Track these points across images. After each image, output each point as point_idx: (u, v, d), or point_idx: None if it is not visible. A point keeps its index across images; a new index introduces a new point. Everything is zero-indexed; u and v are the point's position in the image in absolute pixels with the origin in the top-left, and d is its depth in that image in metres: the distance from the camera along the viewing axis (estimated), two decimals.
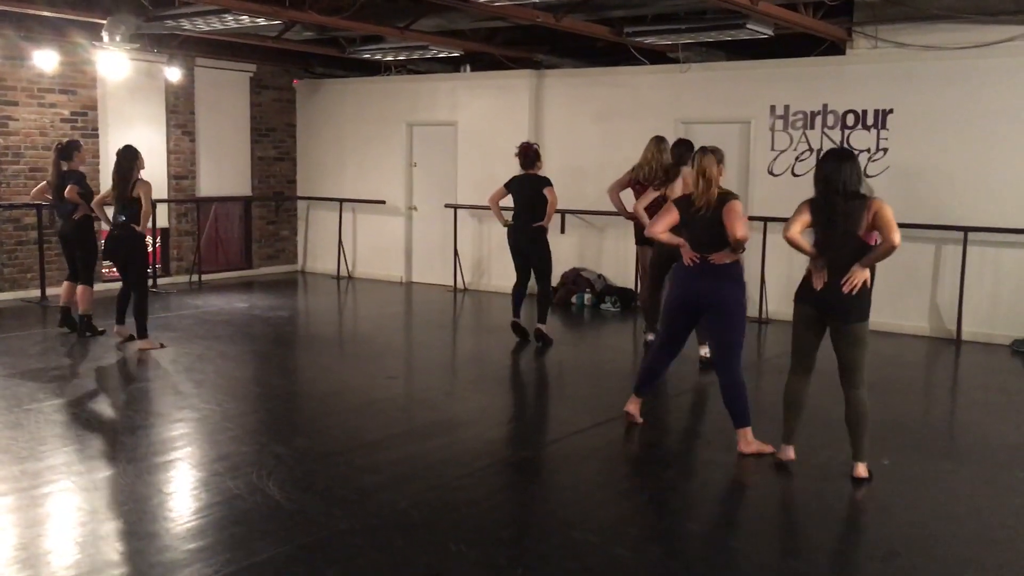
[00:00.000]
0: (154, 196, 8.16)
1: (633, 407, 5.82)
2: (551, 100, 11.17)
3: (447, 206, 11.71)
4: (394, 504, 4.52)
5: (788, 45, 9.38)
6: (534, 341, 8.34)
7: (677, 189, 7.24)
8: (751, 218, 9.57)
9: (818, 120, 9.39)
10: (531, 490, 4.98)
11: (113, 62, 9.78)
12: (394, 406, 6.51)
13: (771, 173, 9.68)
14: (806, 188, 9.28)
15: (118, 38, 8.70)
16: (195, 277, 11.89)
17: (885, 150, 9.00)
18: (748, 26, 8.07)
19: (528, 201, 8.20)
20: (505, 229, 8.44)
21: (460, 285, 11.70)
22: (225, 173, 12.44)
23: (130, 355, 7.68)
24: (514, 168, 8.42)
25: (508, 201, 8.39)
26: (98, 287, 8.77)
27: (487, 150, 11.28)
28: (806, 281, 4.89)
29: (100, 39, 8.94)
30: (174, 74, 11.23)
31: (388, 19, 9.01)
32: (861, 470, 4.88)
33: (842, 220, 4.70)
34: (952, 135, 8.71)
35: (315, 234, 13.34)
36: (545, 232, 8.25)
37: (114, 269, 8.65)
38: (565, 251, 11.03)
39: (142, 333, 7.83)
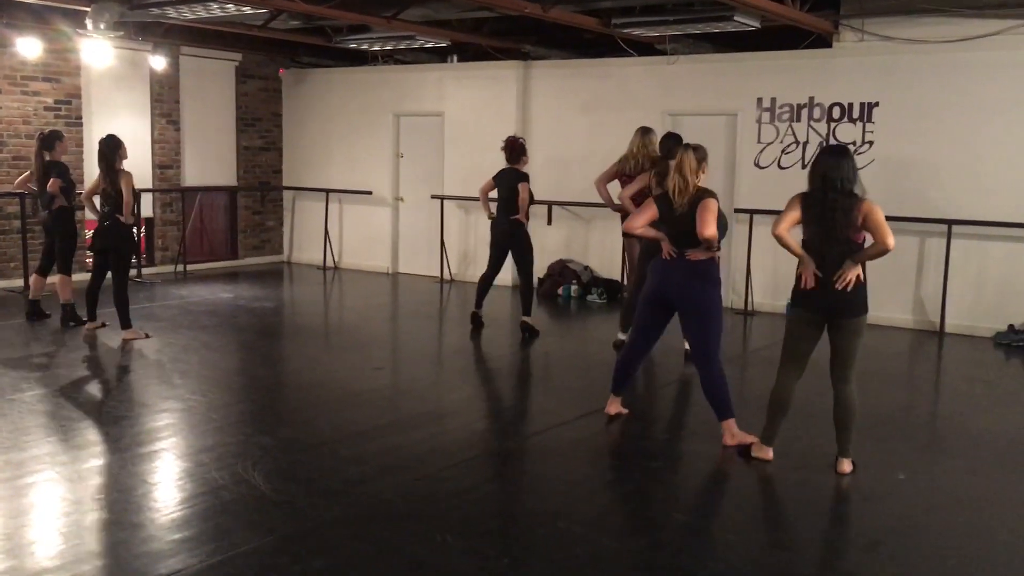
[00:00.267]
0: (139, 186, 8.13)
1: (613, 408, 5.83)
2: (538, 91, 11.15)
3: (433, 197, 11.69)
4: (380, 495, 4.52)
5: (775, 38, 9.40)
6: (520, 333, 8.35)
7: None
8: (737, 210, 9.62)
9: (804, 113, 9.42)
10: (517, 481, 4.99)
11: (97, 50, 9.70)
12: (380, 397, 6.50)
13: (757, 165, 9.70)
14: (792, 180, 9.35)
15: (102, 26, 8.62)
16: (180, 267, 11.83)
17: (870, 143, 9.03)
18: (735, 18, 8.08)
19: (508, 195, 8.25)
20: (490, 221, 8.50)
21: (446, 276, 11.69)
22: (210, 163, 12.37)
23: (114, 345, 7.64)
24: (501, 159, 8.42)
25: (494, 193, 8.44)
26: (76, 276, 8.70)
27: (474, 141, 11.26)
28: (805, 289, 4.81)
29: (84, 27, 8.86)
30: (159, 63, 11.14)
31: (375, 8, 8.97)
32: (846, 466, 4.90)
33: (839, 217, 4.69)
34: (937, 128, 8.75)
35: (301, 224, 13.30)
36: (522, 226, 8.29)
37: (90, 260, 8.57)
38: (552, 242, 11.04)
39: (125, 323, 7.78)
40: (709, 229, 5.08)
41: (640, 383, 6.73)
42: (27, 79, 10.29)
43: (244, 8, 8.29)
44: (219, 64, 12.29)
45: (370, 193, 12.39)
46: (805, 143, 9.41)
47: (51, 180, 8.04)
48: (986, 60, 8.46)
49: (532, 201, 8.38)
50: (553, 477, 4.97)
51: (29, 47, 9.96)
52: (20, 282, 10.09)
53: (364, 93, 12.42)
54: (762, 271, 9.52)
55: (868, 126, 9.07)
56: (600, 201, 8.45)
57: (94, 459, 4.96)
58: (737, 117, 9.81)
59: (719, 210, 5.23)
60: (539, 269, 10.79)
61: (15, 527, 4.08)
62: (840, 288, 4.71)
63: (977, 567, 3.92)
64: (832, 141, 9.15)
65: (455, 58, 11.74)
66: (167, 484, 4.66)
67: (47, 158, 8.20)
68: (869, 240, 4.75)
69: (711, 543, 4.19)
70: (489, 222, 8.53)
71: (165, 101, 11.71)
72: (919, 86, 8.81)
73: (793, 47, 9.47)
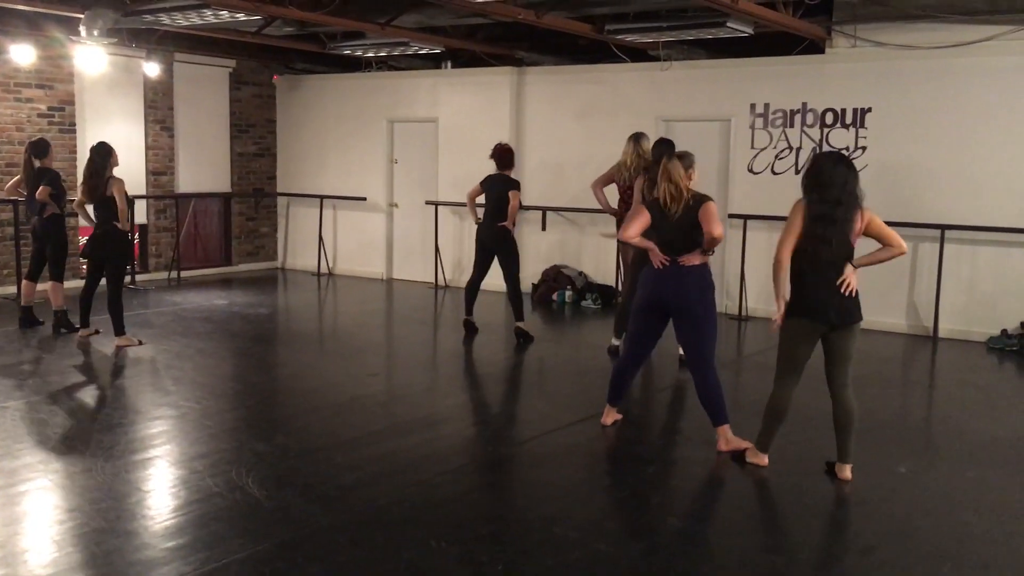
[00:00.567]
0: (133, 192, 8.12)
1: (609, 418, 5.80)
2: (532, 97, 11.17)
3: (428, 203, 11.69)
4: (374, 501, 4.51)
5: (768, 44, 9.43)
6: (515, 339, 8.35)
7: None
8: (731, 216, 9.65)
9: (798, 118, 9.44)
10: (512, 486, 4.99)
11: (91, 57, 9.68)
12: (375, 403, 6.49)
13: (751, 171, 9.72)
14: (785, 186, 9.38)
15: (96, 33, 8.61)
16: (174, 274, 11.81)
17: (864, 148, 9.06)
18: (729, 24, 8.11)
19: (497, 200, 8.28)
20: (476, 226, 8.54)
21: (441, 282, 11.68)
22: (204, 169, 12.36)
23: (108, 352, 7.62)
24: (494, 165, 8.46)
25: (482, 199, 8.47)
26: (69, 283, 8.69)
27: (468, 147, 11.26)
28: (805, 296, 4.76)
29: (78, 33, 8.84)
30: (153, 69, 11.14)
31: (369, 15, 8.98)
32: (848, 472, 4.89)
33: (849, 226, 4.69)
34: (930, 134, 8.79)
35: (295, 231, 13.29)
36: (510, 232, 8.30)
37: (84, 267, 8.54)
38: (546, 248, 11.05)
39: (119, 330, 7.77)
40: (719, 229, 5.14)
41: (635, 388, 6.73)
42: (20, 86, 10.28)
43: (238, 15, 8.29)
44: (213, 70, 12.29)
45: (364, 199, 12.39)
46: (798, 149, 9.44)
47: (41, 188, 8.04)
48: (978, 66, 8.50)
49: (519, 207, 8.42)
50: (548, 482, 4.96)
51: (22, 54, 9.95)
52: (13, 289, 10.07)
53: (358, 99, 12.42)
54: (756, 276, 9.54)
55: (861, 132, 9.10)
56: (595, 207, 8.49)
57: (87, 466, 4.93)
58: (731, 123, 9.84)
59: None
60: (533, 275, 10.86)
61: (8, 535, 4.06)
62: (845, 294, 4.72)
63: (972, 571, 3.93)
64: (825, 147, 9.18)
65: (449, 64, 11.75)
66: (161, 491, 4.64)
67: (38, 165, 8.21)
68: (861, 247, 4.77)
69: (706, 548, 4.19)
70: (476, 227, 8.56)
71: (159, 108, 11.70)
72: (912, 92, 8.84)
73: (786, 53, 9.50)
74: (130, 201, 8.74)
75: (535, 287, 10.82)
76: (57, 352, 7.65)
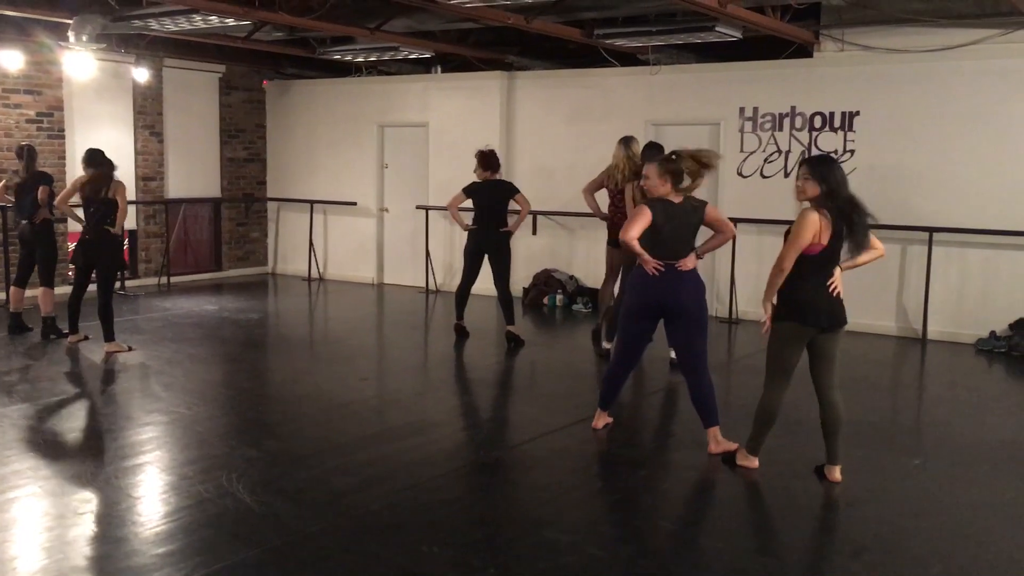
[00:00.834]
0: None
1: (600, 422, 5.80)
2: (522, 101, 11.18)
3: (418, 207, 11.69)
4: (366, 506, 4.50)
5: (757, 48, 9.47)
6: (506, 343, 8.35)
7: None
8: None
9: (786, 122, 9.48)
10: (504, 490, 4.98)
11: (79, 62, 9.66)
12: (366, 408, 6.49)
13: (740, 175, 9.76)
14: (775, 190, 9.42)
15: (84, 38, 8.59)
16: (164, 279, 11.78)
17: (852, 151, 9.10)
18: (717, 29, 8.14)
19: (497, 206, 8.27)
20: (465, 232, 8.49)
21: (432, 286, 11.68)
22: (194, 174, 12.33)
23: (97, 358, 7.59)
24: None
25: (464, 204, 8.39)
26: (58, 289, 8.66)
27: (458, 151, 11.25)
28: (804, 302, 4.72)
29: (66, 39, 8.82)
30: (142, 75, 11.12)
31: (358, 20, 8.98)
32: (838, 473, 4.91)
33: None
34: (917, 136, 8.83)
35: (286, 236, 13.27)
36: (509, 237, 8.31)
37: (72, 272, 8.50)
38: (537, 252, 11.06)
39: (109, 336, 7.74)
40: (731, 225, 5.50)
41: (626, 392, 6.73)
42: (9, 92, 10.23)
43: (228, 20, 8.28)
44: (202, 76, 12.27)
45: (355, 204, 12.38)
46: (787, 152, 9.47)
47: (41, 188, 8.11)
48: (965, 69, 8.54)
49: None
50: (539, 486, 4.97)
51: (11, 59, 9.93)
52: (3, 295, 10.02)
53: (348, 104, 12.42)
54: (745, 280, 9.57)
55: (849, 135, 9.14)
56: (585, 211, 8.49)
57: (77, 473, 4.91)
58: (720, 126, 9.87)
59: None
60: (524, 279, 10.87)
61: None
62: (834, 296, 4.74)
63: (962, 573, 3.94)
64: (814, 150, 9.22)
65: (439, 69, 11.76)
66: (151, 497, 4.63)
67: (33, 169, 8.25)
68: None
69: (698, 551, 4.19)
70: (465, 233, 8.52)
71: (148, 113, 11.67)
72: (899, 95, 8.89)
73: (775, 57, 9.54)
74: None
75: (526, 291, 10.83)
76: (47, 359, 7.62)
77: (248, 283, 12.40)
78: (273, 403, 6.70)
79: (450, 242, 11.64)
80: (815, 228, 4.61)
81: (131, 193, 11.31)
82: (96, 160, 7.72)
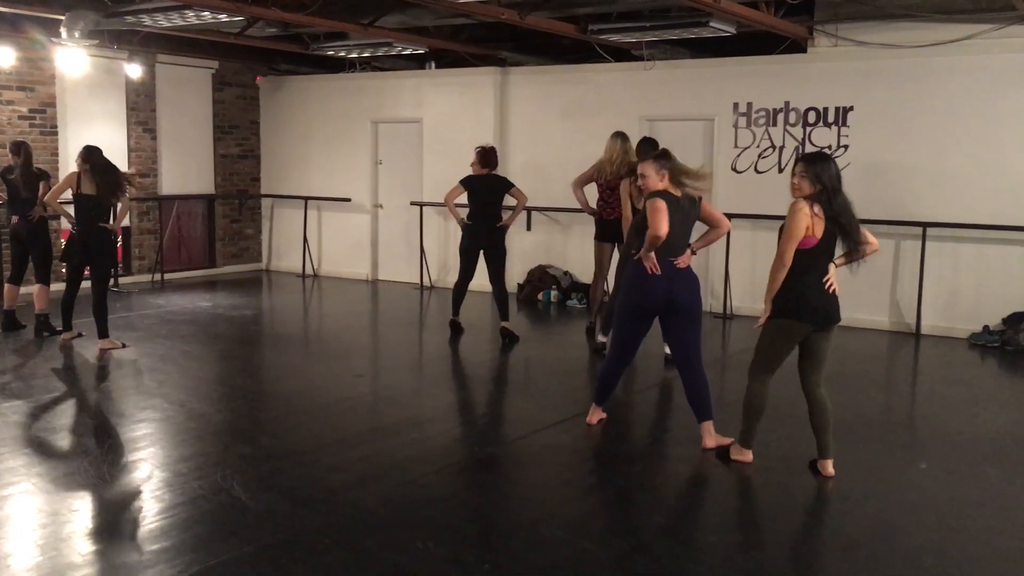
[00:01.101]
0: None
1: (595, 417, 5.81)
2: (516, 97, 11.18)
3: (413, 204, 11.68)
4: (360, 503, 4.50)
5: (751, 43, 9.47)
6: (500, 339, 8.36)
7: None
8: None
9: (780, 117, 9.49)
10: (498, 487, 4.99)
11: (72, 59, 9.63)
12: (360, 404, 6.49)
13: (734, 170, 9.76)
14: (769, 185, 9.43)
15: (77, 34, 8.56)
16: (158, 276, 11.75)
17: (846, 147, 9.11)
18: (711, 24, 8.13)
19: (494, 201, 8.26)
20: (462, 227, 8.46)
21: (426, 283, 11.67)
22: (188, 171, 12.30)
23: (91, 355, 7.58)
24: None
25: (460, 199, 8.37)
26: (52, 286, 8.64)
27: (452, 147, 11.25)
28: (800, 298, 4.72)
29: (59, 35, 8.79)
30: (135, 71, 11.08)
31: (352, 15, 8.96)
32: (830, 467, 4.92)
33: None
34: (911, 132, 8.84)
35: (280, 232, 13.25)
36: (505, 232, 8.32)
37: (64, 269, 8.46)
38: (531, 248, 11.06)
39: (102, 333, 7.73)
40: (726, 220, 5.52)
41: (620, 387, 6.74)
42: (1, 88, 10.20)
43: (220, 16, 8.25)
44: (196, 72, 12.24)
45: (349, 200, 12.37)
46: (781, 147, 9.48)
47: (42, 185, 8.17)
48: (959, 64, 8.56)
49: None
50: (533, 482, 4.97)
51: (3, 56, 9.87)
52: None
53: (342, 100, 12.40)
54: (740, 275, 9.58)
55: (843, 130, 9.15)
56: (579, 206, 8.50)
57: (71, 470, 4.90)
58: (714, 122, 9.87)
59: None
60: (519, 275, 10.87)
61: None
62: (830, 292, 4.75)
63: (955, 567, 3.96)
64: (808, 145, 9.23)
65: (433, 65, 11.75)
66: (145, 494, 4.62)
67: (31, 166, 8.28)
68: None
69: (692, 546, 4.20)
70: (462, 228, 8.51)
71: (141, 109, 11.64)
72: (893, 90, 8.90)
73: (769, 52, 9.54)
74: None
75: (521, 287, 10.84)
76: (40, 356, 7.60)
77: (242, 280, 12.38)
78: (267, 400, 6.70)
79: (444, 238, 11.63)
80: (807, 220, 4.63)
81: None
82: (96, 159, 7.67)
